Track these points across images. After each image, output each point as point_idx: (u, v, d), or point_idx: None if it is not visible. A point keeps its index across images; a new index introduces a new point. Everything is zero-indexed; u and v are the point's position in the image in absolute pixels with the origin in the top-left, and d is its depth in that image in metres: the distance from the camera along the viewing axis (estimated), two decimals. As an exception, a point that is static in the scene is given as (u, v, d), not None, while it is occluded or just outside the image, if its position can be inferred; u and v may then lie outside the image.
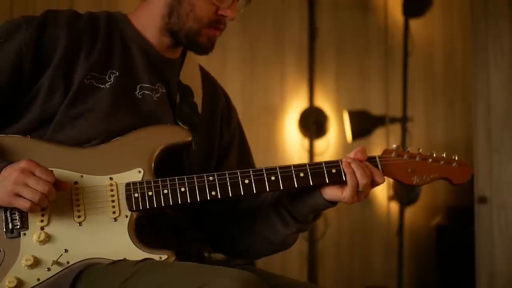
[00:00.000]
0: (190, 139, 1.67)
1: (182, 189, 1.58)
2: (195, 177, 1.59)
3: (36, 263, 1.52)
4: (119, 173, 1.60)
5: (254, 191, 1.61)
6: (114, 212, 1.57)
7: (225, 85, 1.97)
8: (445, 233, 4.61)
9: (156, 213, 1.63)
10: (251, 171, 1.61)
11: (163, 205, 1.58)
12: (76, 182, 1.58)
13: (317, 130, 4.40)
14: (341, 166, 1.63)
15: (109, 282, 1.48)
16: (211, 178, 1.60)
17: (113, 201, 1.57)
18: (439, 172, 1.67)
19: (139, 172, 1.60)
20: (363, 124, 4.44)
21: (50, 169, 1.53)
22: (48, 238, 1.53)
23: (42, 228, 1.54)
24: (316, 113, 4.42)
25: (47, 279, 1.51)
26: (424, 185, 1.67)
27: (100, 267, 1.52)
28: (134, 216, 1.57)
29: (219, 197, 1.59)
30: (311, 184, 1.63)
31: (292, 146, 4.42)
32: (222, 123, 1.87)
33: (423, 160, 1.67)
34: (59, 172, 1.55)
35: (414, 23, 4.54)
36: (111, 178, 1.59)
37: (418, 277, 4.77)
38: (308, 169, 1.63)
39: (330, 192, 1.65)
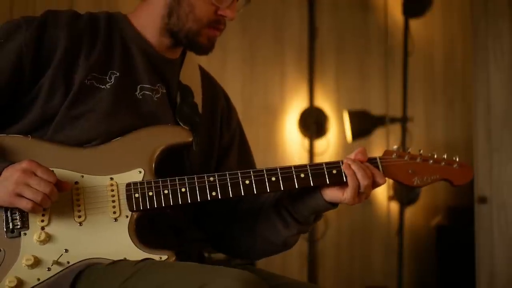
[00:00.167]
0: (190, 139, 1.67)
1: (183, 190, 1.58)
2: (195, 178, 1.59)
3: (37, 263, 1.52)
4: (119, 173, 1.60)
5: (255, 192, 1.61)
6: (114, 212, 1.57)
7: (225, 85, 1.97)
8: (445, 233, 4.61)
9: (157, 213, 1.63)
10: (251, 172, 1.61)
11: (163, 205, 1.58)
12: (76, 182, 1.58)
13: (317, 130, 4.40)
14: (341, 167, 1.63)
15: (109, 282, 1.48)
16: (211, 178, 1.60)
17: (113, 201, 1.57)
18: (440, 173, 1.67)
19: (140, 172, 1.60)
20: (363, 124, 4.44)
21: (51, 169, 1.53)
22: (49, 238, 1.53)
23: (42, 228, 1.54)
24: (316, 113, 4.42)
25: (47, 279, 1.52)
26: (425, 186, 1.67)
27: (100, 267, 1.52)
28: (135, 216, 1.57)
29: (219, 197, 1.59)
30: (312, 185, 1.63)
31: (292, 146, 4.42)
32: (222, 123, 1.87)
33: (424, 161, 1.67)
34: (59, 172, 1.55)
35: (414, 23, 4.54)
36: (111, 178, 1.59)
37: (418, 277, 4.77)
38: (308, 170, 1.63)
39: (331, 193, 1.65)
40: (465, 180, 1.68)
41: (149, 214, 1.61)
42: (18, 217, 1.54)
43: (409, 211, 4.60)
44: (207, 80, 1.90)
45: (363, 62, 4.66)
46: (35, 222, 1.54)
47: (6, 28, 1.66)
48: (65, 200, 1.55)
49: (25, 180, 1.48)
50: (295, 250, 4.30)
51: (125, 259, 1.54)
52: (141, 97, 1.70)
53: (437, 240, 4.67)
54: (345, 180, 1.62)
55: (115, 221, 1.57)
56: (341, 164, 1.63)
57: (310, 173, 1.62)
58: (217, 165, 1.83)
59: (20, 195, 1.48)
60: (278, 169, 1.62)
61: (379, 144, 4.49)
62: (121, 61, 1.70)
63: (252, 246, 1.79)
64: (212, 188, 1.59)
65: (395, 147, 1.68)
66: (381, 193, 4.56)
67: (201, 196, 1.59)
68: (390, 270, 4.49)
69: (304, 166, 1.63)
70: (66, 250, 1.54)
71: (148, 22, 1.74)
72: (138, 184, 1.58)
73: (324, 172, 1.63)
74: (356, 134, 4.40)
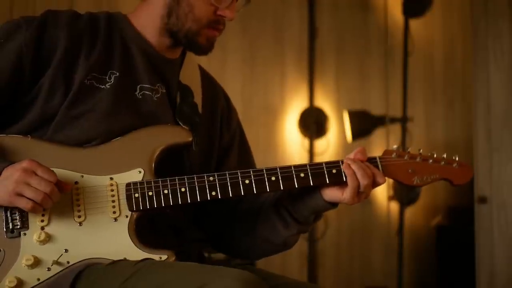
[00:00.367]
0: (190, 139, 1.67)
1: (183, 189, 1.58)
2: (195, 177, 1.59)
3: (36, 263, 1.52)
4: (119, 173, 1.60)
5: (255, 191, 1.61)
6: (114, 212, 1.57)
7: (225, 85, 1.97)
8: (445, 233, 4.61)
9: (156, 213, 1.63)
10: (251, 172, 1.61)
11: (163, 205, 1.58)
12: (76, 182, 1.58)
13: (317, 130, 4.40)
14: (341, 167, 1.63)
15: (109, 282, 1.48)
16: (211, 178, 1.60)
17: (113, 201, 1.57)
18: (439, 173, 1.67)
19: (140, 172, 1.60)
20: (363, 124, 4.44)
21: (51, 169, 1.53)
22: (48, 238, 1.53)
23: (42, 228, 1.54)
24: (316, 113, 4.42)
25: (47, 279, 1.51)
26: (425, 185, 1.67)
27: (100, 267, 1.52)
28: (134, 216, 1.57)
29: (219, 197, 1.59)
30: (312, 184, 1.63)
31: (292, 146, 4.42)
32: (222, 123, 1.87)
33: (424, 160, 1.67)
34: (59, 172, 1.55)
35: (414, 23, 4.54)
36: (111, 178, 1.59)
37: (418, 277, 4.77)
38: (308, 170, 1.63)
39: (330, 193, 1.65)
40: (465, 179, 1.68)
41: (149, 214, 1.61)
42: (18, 217, 1.54)
43: (409, 211, 4.60)
44: (207, 80, 1.90)
45: (363, 62, 4.66)
46: (35, 222, 1.54)
47: (6, 28, 1.66)
48: (65, 200, 1.55)
49: (26, 180, 1.48)
50: (295, 250, 4.30)
51: (125, 259, 1.54)
52: (141, 97, 1.70)
53: (437, 240, 4.67)
54: (344, 179, 1.62)
55: (115, 221, 1.57)
56: (340, 163, 1.64)
57: (310, 173, 1.62)
58: (218, 165, 1.83)
59: (20, 195, 1.48)
60: (278, 169, 1.62)
61: (379, 144, 4.49)
62: (121, 61, 1.70)
63: (252, 246, 1.79)
64: (212, 188, 1.59)
65: (395, 146, 1.69)
66: (381, 193, 4.56)
67: (201, 196, 1.59)
68: (390, 270, 4.49)
69: (304, 165, 1.63)
70: (66, 250, 1.54)
71: (148, 22, 1.74)
72: (138, 184, 1.58)
73: (324, 171, 1.63)
74: (356, 134, 4.40)
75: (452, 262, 4.45)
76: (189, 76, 1.83)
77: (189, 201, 1.58)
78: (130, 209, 1.57)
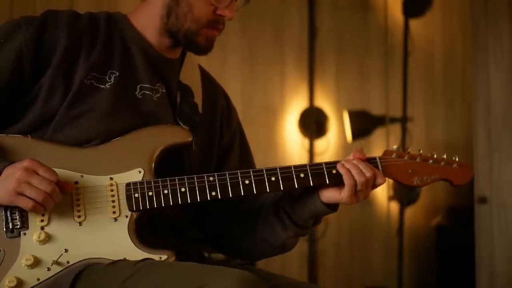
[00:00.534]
0: (190, 139, 1.67)
1: (182, 189, 1.58)
2: (195, 178, 1.59)
3: (36, 263, 1.52)
4: (119, 173, 1.59)
5: (255, 192, 1.61)
6: (114, 212, 1.57)
7: (225, 85, 1.97)
8: (445, 233, 4.61)
9: (156, 213, 1.63)
10: (251, 172, 1.61)
11: (163, 205, 1.58)
12: (76, 182, 1.57)
13: (317, 130, 4.40)
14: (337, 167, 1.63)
15: (109, 282, 1.48)
16: (211, 178, 1.60)
17: (113, 201, 1.57)
18: (439, 173, 1.67)
19: (140, 172, 1.60)
20: (363, 124, 4.44)
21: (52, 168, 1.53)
22: (48, 238, 1.53)
23: (42, 228, 1.54)
24: (316, 113, 4.42)
25: (47, 279, 1.51)
26: (425, 186, 1.67)
27: (100, 267, 1.52)
28: (134, 216, 1.57)
29: (219, 197, 1.59)
30: (312, 184, 1.63)
31: (292, 146, 4.42)
32: (222, 123, 1.87)
33: (424, 161, 1.67)
34: (59, 172, 1.54)
35: (414, 23, 4.54)
36: (111, 178, 1.59)
37: (418, 277, 4.77)
38: (308, 170, 1.63)
39: (329, 194, 1.65)
40: (465, 180, 1.68)
41: (149, 214, 1.61)
42: (17, 217, 1.53)
43: (409, 211, 4.60)
44: (207, 80, 1.89)
45: (363, 62, 4.66)
46: (34, 222, 1.54)
47: (6, 28, 1.65)
48: (65, 200, 1.55)
49: (27, 179, 1.48)
50: (295, 250, 4.26)
51: (124, 259, 1.54)
52: (141, 96, 1.70)
53: (437, 240, 4.66)
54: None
55: (114, 221, 1.57)
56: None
57: (310, 173, 1.62)
58: (218, 165, 1.83)
59: (21, 194, 1.48)
60: (278, 169, 1.62)
61: (379, 144, 4.49)
62: (121, 61, 1.70)
63: (252, 246, 1.79)
64: (212, 188, 1.59)
65: (395, 147, 1.68)
66: (381, 193, 4.56)
67: (200, 196, 1.59)
68: (390, 270, 4.49)
69: (304, 166, 1.63)
70: (66, 250, 1.54)
71: (148, 22, 1.74)
72: (138, 184, 1.58)
73: (324, 172, 1.63)
74: (356, 134, 4.40)
75: (452, 262, 4.45)
76: (189, 76, 1.83)
77: (189, 201, 1.58)
78: (130, 209, 1.57)
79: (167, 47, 1.76)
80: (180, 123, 1.73)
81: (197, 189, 1.59)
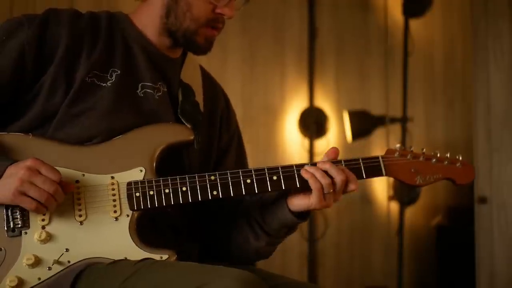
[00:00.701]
0: (192, 137, 1.67)
1: (184, 189, 1.58)
2: (196, 177, 1.59)
3: (37, 262, 1.51)
4: (120, 172, 1.59)
5: (256, 191, 1.60)
6: (115, 212, 1.56)
7: (225, 85, 1.97)
8: (445, 233, 4.61)
9: (157, 212, 1.62)
10: (253, 171, 1.61)
11: (164, 204, 1.58)
12: (77, 181, 1.57)
13: (317, 130, 4.40)
14: (342, 163, 1.63)
15: (109, 281, 1.48)
16: (212, 177, 1.60)
17: (114, 200, 1.57)
18: (442, 173, 1.65)
19: (141, 171, 1.60)
20: (363, 124, 4.44)
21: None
22: (49, 237, 1.53)
23: (43, 227, 1.53)
24: (316, 113, 4.42)
25: (48, 279, 1.51)
26: (427, 185, 1.66)
27: (101, 267, 1.52)
28: (135, 215, 1.57)
29: (220, 196, 1.59)
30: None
31: (292, 146, 4.41)
32: (221, 123, 1.87)
33: (427, 160, 1.65)
34: (60, 170, 1.54)
35: (414, 23, 4.54)
36: (112, 177, 1.59)
37: (418, 277, 4.77)
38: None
39: (298, 202, 1.64)
40: (468, 179, 1.67)
41: (149, 214, 1.61)
42: (18, 216, 1.53)
43: (409, 211, 4.60)
44: (208, 81, 1.90)
45: (363, 62, 4.66)
46: (35, 221, 1.54)
47: (7, 26, 1.65)
48: (66, 199, 1.54)
49: (30, 178, 1.47)
50: (295, 250, 4.31)
51: (125, 259, 1.53)
52: (142, 95, 1.70)
53: (437, 240, 4.66)
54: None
55: (115, 220, 1.56)
56: (342, 162, 1.63)
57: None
58: (215, 166, 1.82)
59: (24, 194, 1.48)
60: (280, 168, 1.62)
61: (379, 144, 4.49)
62: (123, 59, 1.70)
63: (228, 252, 1.78)
64: (213, 187, 1.59)
65: (397, 145, 1.67)
66: (381, 193, 4.56)
67: (202, 195, 1.58)
68: (390, 270, 4.48)
69: (303, 165, 1.63)
70: (67, 250, 1.53)
71: (148, 22, 1.74)
72: (139, 183, 1.58)
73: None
74: (356, 134, 4.40)
75: (452, 262, 4.45)
76: (190, 75, 1.83)
77: (190, 201, 1.58)
78: (131, 208, 1.57)
79: (168, 47, 1.76)
80: (183, 121, 1.72)
81: (198, 188, 1.59)
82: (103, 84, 1.66)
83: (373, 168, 1.64)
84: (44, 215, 1.54)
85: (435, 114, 4.89)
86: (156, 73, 1.73)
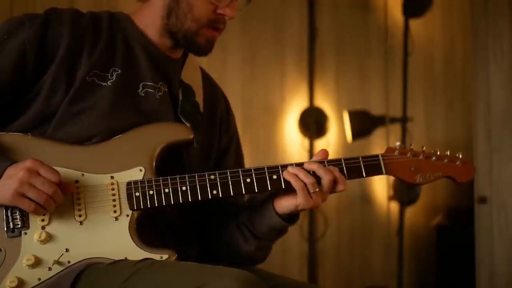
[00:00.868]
0: (192, 136, 1.67)
1: (184, 188, 1.58)
2: (196, 176, 1.59)
3: (37, 262, 1.51)
4: (120, 172, 1.59)
5: (256, 190, 1.60)
6: (115, 211, 1.56)
7: (225, 85, 1.97)
8: (445, 233, 4.61)
9: (157, 212, 1.62)
10: (252, 170, 1.61)
11: (164, 204, 1.58)
12: (77, 181, 1.57)
13: (317, 130, 4.40)
14: (343, 163, 1.63)
15: (109, 281, 1.48)
16: (212, 177, 1.60)
17: (114, 200, 1.57)
18: (442, 171, 1.65)
19: (140, 170, 1.60)
20: (363, 124, 4.44)
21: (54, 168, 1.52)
22: (49, 238, 1.53)
23: (43, 228, 1.53)
24: (316, 113, 4.42)
25: (48, 279, 1.51)
26: (427, 183, 1.65)
27: (101, 267, 1.52)
28: (135, 215, 1.57)
29: (220, 196, 1.59)
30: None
31: (292, 146, 4.41)
32: (221, 125, 1.87)
33: (427, 158, 1.65)
34: (60, 170, 1.54)
35: (414, 23, 4.54)
36: (112, 177, 1.59)
37: (418, 277, 4.77)
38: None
39: (285, 204, 1.63)
40: (468, 177, 1.66)
41: (149, 213, 1.60)
42: (18, 217, 1.53)
43: (409, 211, 4.60)
44: (208, 82, 1.90)
45: (363, 62, 4.66)
46: (35, 221, 1.53)
47: (8, 25, 1.65)
48: (65, 199, 1.54)
49: (29, 180, 1.47)
50: (295, 250, 4.31)
51: (125, 259, 1.53)
52: (143, 94, 1.70)
53: (437, 240, 4.66)
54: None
55: (115, 220, 1.56)
56: (342, 161, 1.65)
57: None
58: (215, 166, 1.82)
59: (23, 195, 1.48)
60: (280, 167, 1.62)
61: (379, 144, 4.49)
62: (124, 59, 1.70)
63: (221, 253, 1.78)
64: (213, 186, 1.59)
65: (397, 143, 1.67)
66: (381, 193, 4.56)
67: (202, 194, 1.58)
68: (390, 270, 4.48)
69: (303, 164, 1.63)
70: (67, 250, 1.53)
71: (149, 23, 1.74)
72: (139, 182, 1.58)
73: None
74: (356, 134, 4.40)
75: (452, 262, 4.44)
76: (191, 76, 1.83)
77: (190, 200, 1.58)
78: (131, 208, 1.57)
79: (168, 48, 1.76)
80: (183, 120, 1.72)
81: (198, 187, 1.59)
82: (104, 84, 1.66)
83: (373, 166, 1.65)
84: (43, 215, 1.54)
85: (435, 114, 4.89)
86: (157, 73, 1.73)
